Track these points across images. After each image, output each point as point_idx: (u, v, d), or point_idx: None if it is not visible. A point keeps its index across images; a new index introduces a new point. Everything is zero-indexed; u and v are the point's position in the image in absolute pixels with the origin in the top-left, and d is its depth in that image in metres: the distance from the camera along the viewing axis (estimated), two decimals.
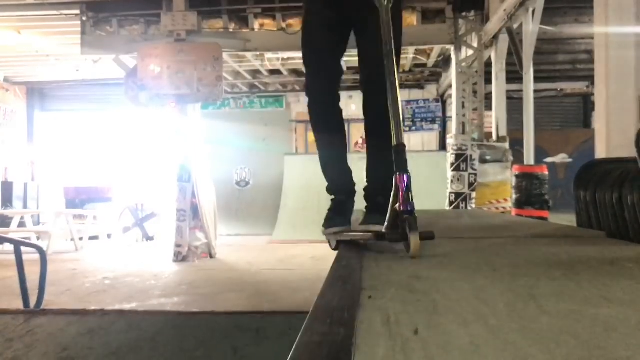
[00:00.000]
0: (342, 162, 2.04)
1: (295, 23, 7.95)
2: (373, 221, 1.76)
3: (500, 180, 7.57)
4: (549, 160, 10.42)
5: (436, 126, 11.78)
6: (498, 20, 6.91)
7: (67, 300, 5.03)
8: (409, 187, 1.55)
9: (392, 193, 1.56)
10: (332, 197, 2.02)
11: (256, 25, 8.05)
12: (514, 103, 8.93)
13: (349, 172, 2.04)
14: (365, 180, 2.01)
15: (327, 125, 2.04)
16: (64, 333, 2.16)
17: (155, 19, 7.96)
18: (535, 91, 7.08)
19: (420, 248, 1.43)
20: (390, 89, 1.61)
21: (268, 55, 9.62)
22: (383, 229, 1.59)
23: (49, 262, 3.67)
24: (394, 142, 1.59)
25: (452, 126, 8.32)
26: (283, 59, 10.14)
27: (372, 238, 1.70)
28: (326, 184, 2.07)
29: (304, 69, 2.11)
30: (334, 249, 1.86)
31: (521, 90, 6.78)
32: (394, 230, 1.54)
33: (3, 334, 2.12)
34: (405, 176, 1.55)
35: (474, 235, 2.19)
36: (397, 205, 1.53)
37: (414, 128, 11.80)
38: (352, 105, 12.29)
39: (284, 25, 7.97)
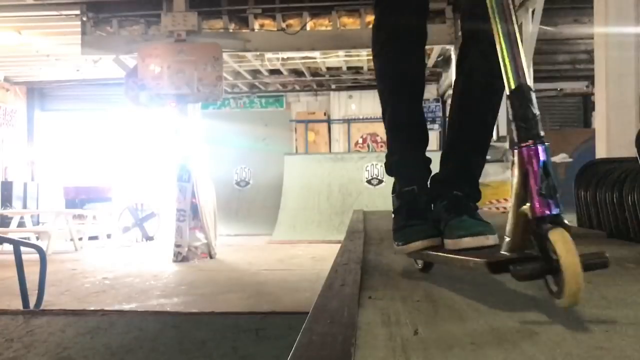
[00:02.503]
0: (415, 127, 1.42)
1: (295, 23, 7.95)
2: (471, 231, 1.14)
3: (501, 180, 7.58)
4: None
5: (436, 126, 11.79)
6: None
7: (67, 300, 5.03)
8: (547, 170, 0.87)
9: (515, 181, 0.90)
10: (398, 191, 1.37)
11: (256, 26, 8.05)
12: None
13: (423, 144, 1.43)
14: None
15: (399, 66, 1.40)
16: (64, 333, 2.16)
17: (155, 19, 7.96)
18: (535, 91, 7.04)
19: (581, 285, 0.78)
20: (499, 14, 0.96)
21: (268, 55, 9.62)
22: (503, 249, 0.94)
23: (49, 262, 3.67)
24: (511, 85, 0.93)
25: None
26: (283, 59, 10.14)
27: (484, 266, 0.95)
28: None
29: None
30: (423, 270, 1.29)
31: None
32: (528, 256, 0.88)
33: (2, 334, 2.12)
34: (538, 149, 0.88)
35: None
36: (526, 205, 0.87)
37: None
38: (352, 105, 12.33)
39: (284, 25, 7.97)
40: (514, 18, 0.96)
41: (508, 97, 0.94)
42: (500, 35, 0.95)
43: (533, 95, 0.93)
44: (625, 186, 1.94)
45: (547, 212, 0.85)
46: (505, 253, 0.94)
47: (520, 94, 0.92)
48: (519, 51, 0.94)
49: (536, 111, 0.91)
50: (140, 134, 12.13)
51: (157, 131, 10.88)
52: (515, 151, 0.90)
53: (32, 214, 10.74)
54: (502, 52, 0.95)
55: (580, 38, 8.75)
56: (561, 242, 0.80)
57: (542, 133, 0.89)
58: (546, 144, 0.89)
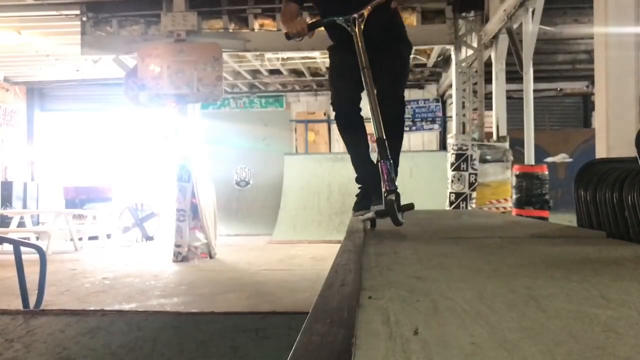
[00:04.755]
0: (366, 158, 2.59)
1: None
2: (377, 202, 2.32)
3: (501, 180, 7.57)
4: (549, 160, 10.41)
5: (436, 126, 11.78)
6: (498, 21, 6.91)
7: (67, 300, 5.03)
8: (389, 171, 2.12)
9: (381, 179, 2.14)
10: (360, 186, 2.57)
11: (256, 26, 8.04)
12: (514, 103, 8.92)
13: (371, 166, 2.48)
14: None
15: (352, 132, 2.60)
16: (64, 333, 2.16)
17: (155, 19, 7.96)
18: (535, 91, 7.08)
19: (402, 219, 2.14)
20: (369, 96, 2.22)
21: (268, 55, 9.62)
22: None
23: (49, 262, 3.67)
24: (376, 135, 2.15)
25: (453, 126, 8.32)
26: (283, 59, 10.13)
27: (375, 217, 2.28)
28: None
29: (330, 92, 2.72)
30: (371, 228, 2.41)
31: (521, 90, 6.78)
32: (381, 208, 2.12)
33: (2, 334, 2.12)
34: (386, 163, 2.12)
35: (474, 235, 2.19)
36: (384, 187, 2.10)
37: (414, 128, 11.80)
38: None
39: None
40: (375, 98, 2.26)
41: (376, 141, 2.18)
42: (370, 104, 2.25)
43: (384, 142, 2.17)
44: (625, 186, 1.94)
45: (390, 187, 2.11)
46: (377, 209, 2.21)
47: (380, 142, 2.17)
48: (377, 112, 2.21)
49: (385, 148, 2.16)
50: (140, 134, 12.12)
51: (157, 131, 10.88)
52: (379, 163, 2.17)
53: (32, 214, 10.74)
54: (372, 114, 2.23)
55: (580, 38, 8.76)
56: (389, 199, 2.11)
57: (388, 156, 2.16)
58: (389, 160, 2.16)
